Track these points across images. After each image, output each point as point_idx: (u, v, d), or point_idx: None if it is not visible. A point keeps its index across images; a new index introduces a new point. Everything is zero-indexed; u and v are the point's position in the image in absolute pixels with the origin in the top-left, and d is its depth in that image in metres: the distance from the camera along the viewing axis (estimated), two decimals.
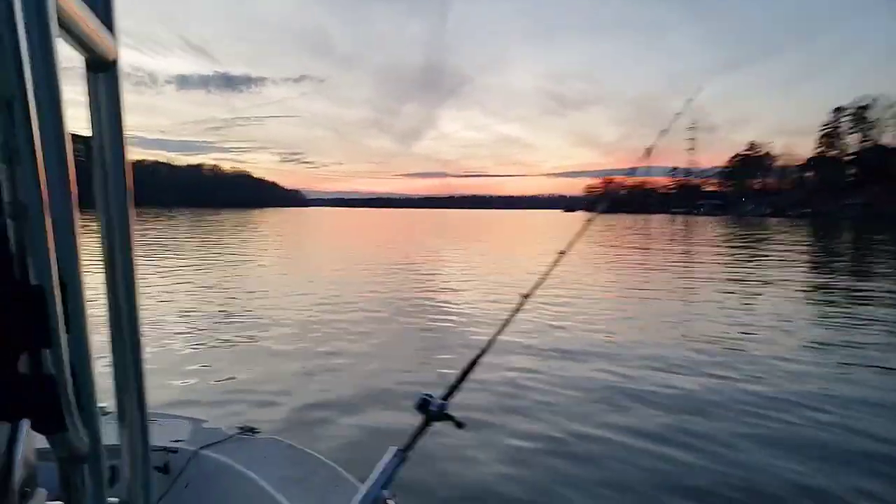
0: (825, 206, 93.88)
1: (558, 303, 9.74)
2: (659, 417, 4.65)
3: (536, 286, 1.56)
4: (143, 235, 29.87)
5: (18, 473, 0.44)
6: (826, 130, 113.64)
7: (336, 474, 1.72)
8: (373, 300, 10.32)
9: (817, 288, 12.89)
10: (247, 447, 1.86)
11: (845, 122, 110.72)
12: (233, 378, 5.55)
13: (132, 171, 0.64)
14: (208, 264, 16.54)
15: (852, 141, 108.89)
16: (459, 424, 1.32)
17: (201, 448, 1.81)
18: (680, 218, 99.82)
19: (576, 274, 13.79)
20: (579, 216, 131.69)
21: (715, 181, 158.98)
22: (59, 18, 0.48)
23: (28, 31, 0.43)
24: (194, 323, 8.18)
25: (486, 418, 4.53)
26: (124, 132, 0.63)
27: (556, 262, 1.70)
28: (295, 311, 9.10)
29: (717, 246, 27.55)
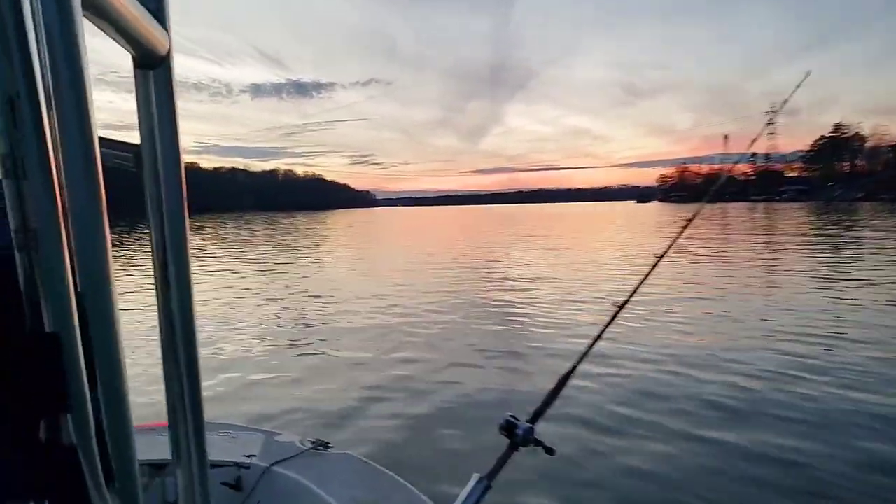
0: None
1: (647, 302, 8.77)
2: (785, 439, 4.10)
3: (631, 294, 1.42)
4: (223, 239, 31.31)
5: None
6: None
7: (413, 498, 1.63)
8: (446, 305, 9.90)
9: None
10: (320, 463, 1.81)
11: None
12: (305, 387, 5.51)
13: (186, 179, 0.56)
14: (280, 268, 17.05)
15: None
16: (550, 451, 1.20)
17: (273, 464, 1.77)
18: (761, 205, 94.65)
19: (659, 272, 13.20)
20: (653, 206, 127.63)
21: (798, 166, 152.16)
22: (96, 9, 0.39)
23: (45, 18, 0.34)
24: (268, 329, 8.38)
25: (581, 443, 4.05)
26: (179, 137, 0.53)
27: (653, 268, 1.54)
28: (367, 316, 8.99)
29: (814, 234, 25.86)
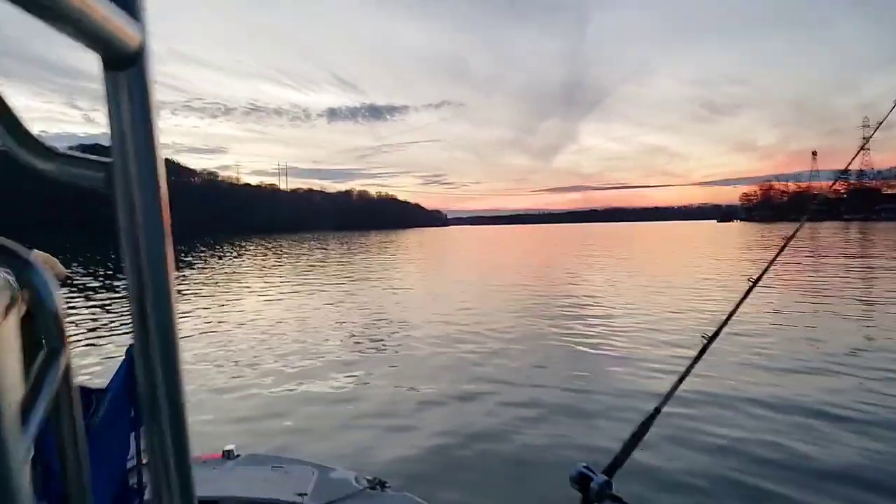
0: None
1: (741, 333, 7.94)
2: None
3: (723, 324, 1.23)
4: (298, 259, 32.34)
5: None
6: None
7: None
8: (516, 334, 9.32)
9: None
10: None
11: None
12: (363, 418, 5.35)
13: (171, 198, 0.44)
14: (348, 287, 17.28)
15: None
16: None
17: None
18: (855, 224, 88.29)
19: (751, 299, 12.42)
20: (736, 226, 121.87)
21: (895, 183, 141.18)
22: (47, 9, 0.29)
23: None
24: (330, 355, 8.37)
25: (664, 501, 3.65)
26: (157, 145, 0.42)
27: (746, 294, 1.33)
28: (434, 343, 8.68)
29: None
